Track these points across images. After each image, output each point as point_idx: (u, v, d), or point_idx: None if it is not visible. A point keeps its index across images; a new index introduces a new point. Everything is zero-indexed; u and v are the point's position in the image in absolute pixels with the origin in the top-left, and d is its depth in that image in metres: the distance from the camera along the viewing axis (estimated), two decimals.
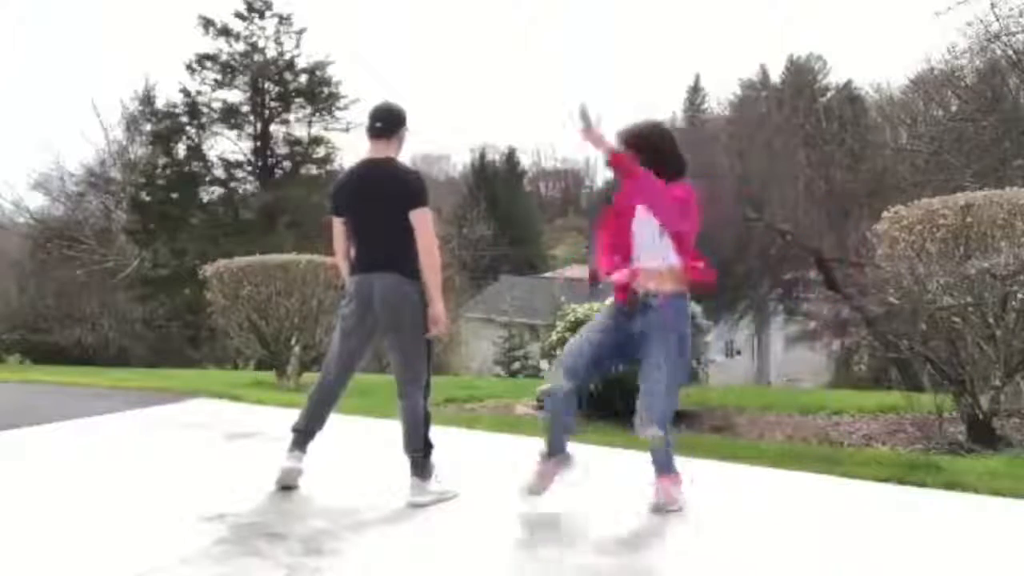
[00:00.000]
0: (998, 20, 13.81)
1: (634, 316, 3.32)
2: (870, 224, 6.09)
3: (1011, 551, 3.00)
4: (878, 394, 8.25)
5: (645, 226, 3.35)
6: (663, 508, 3.38)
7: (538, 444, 3.56)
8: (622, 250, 3.39)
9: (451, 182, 44.88)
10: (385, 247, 3.54)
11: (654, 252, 3.34)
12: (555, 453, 3.41)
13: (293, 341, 8.90)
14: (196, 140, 29.59)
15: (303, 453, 3.69)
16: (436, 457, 3.59)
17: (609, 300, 3.45)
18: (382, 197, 3.56)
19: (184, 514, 3.34)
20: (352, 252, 3.71)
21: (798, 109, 18.39)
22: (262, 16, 29.33)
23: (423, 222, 3.52)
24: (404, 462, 3.59)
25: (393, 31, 79.06)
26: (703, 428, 5.75)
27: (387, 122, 3.68)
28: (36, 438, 5.25)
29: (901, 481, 3.90)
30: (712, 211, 16.99)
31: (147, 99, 30.15)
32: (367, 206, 3.59)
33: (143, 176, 29.11)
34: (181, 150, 29.52)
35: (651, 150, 3.31)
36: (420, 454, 3.55)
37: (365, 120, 3.72)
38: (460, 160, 48.65)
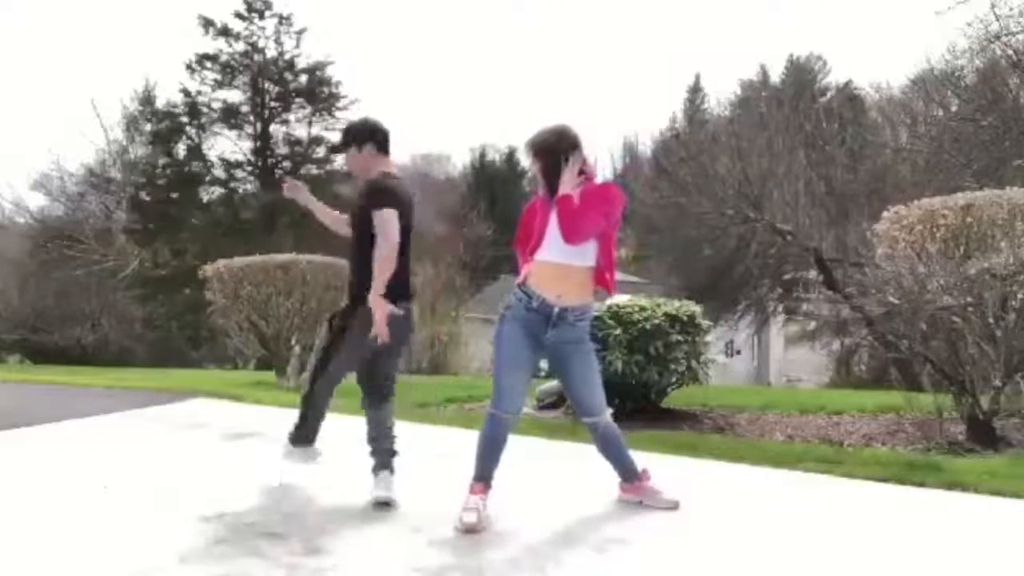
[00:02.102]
0: (998, 20, 13.82)
1: (546, 327, 3.23)
2: (870, 224, 6.09)
3: (1011, 551, 3.00)
4: (878, 394, 8.25)
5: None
6: (660, 506, 3.41)
7: (536, 444, 3.57)
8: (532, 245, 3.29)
9: (451, 182, 44.83)
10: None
11: (577, 252, 3.21)
12: (489, 479, 3.29)
13: (293, 341, 8.90)
14: (196, 140, 29.66)
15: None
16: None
17: (515, 300, 3.26)
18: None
19: (184, 514, 3.34)
20: None
21: (798, 109, 18.34)
22: (262, 16, 29.39)
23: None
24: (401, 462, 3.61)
25: (393, 31, 79.03)
26: (703, 428, 5.75)
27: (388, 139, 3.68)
28: (36, 438, 5.25)
29: (901, 481, 3.90)
30: (713, 211, 17.00)
31: (147, 99, 30.23)
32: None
33: (143, 176, 29.17)
34: (181, 150, 29.61)
35: (556, 155, 3.22)
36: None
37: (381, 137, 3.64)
38: (460, 160, 48.63)
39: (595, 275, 3.29)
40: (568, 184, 3.19)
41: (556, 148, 3.23)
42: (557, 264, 3.21)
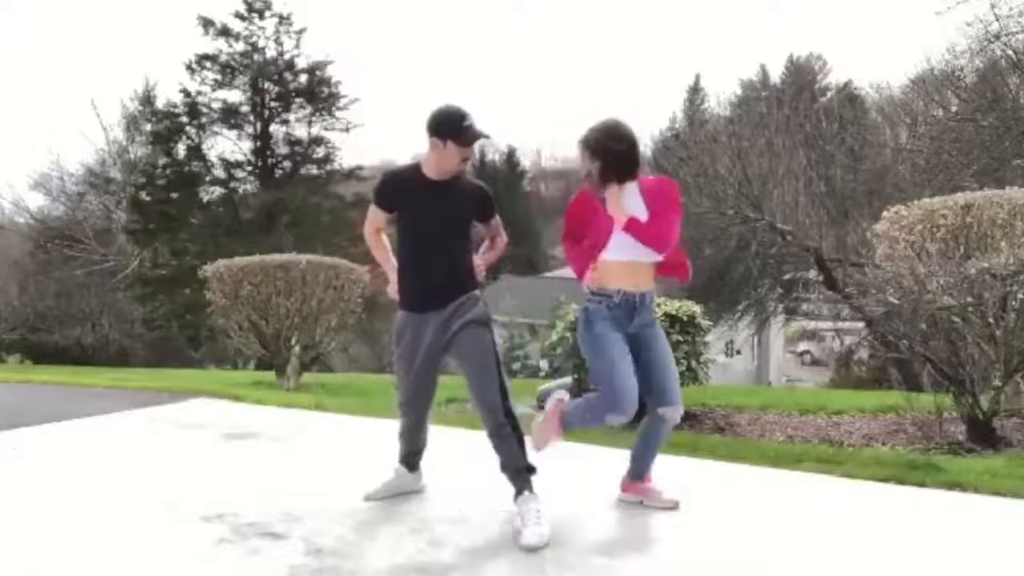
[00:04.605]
0: (998, 20, 13.82)
1: (632, 315, 3.28)
2: (870, 224, 6.09)
3: (1011, 551, 3.00)
4: (878, 394, 8.26)
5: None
6: (661, 506, 3.42)
7: (530, 445, 3.56)
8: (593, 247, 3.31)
9: None
10: None
11: (645, 250, 3.24)
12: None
13: (293, 341, 8.90)
14: (196, 140, 29.62)
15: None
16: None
17: (595, 304, 3.28)
18: None
19: (185, 514, 3.34)
20: None
21: (798, 109, 18.32)
22: (262, 16, 29.37)
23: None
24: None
25: (393, 31, 79.07)
26: (703, 428, 5.75)
27: None
28: (36, 438, 5.25)
29: (901, 481, 3.90)
30: (713, 211, 16.98)
31: (147, 99, 30.23)
32: None
33: (143, 176, 29.15)
34: (181, 150, 29.56)
35: (615, 154, 3.20)
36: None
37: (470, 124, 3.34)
38: None
39: (667, 268, 3.35)
40: (616, 206, 3.19)
41: (611, 148, 3.21)
42: (629, 262, 3.23)
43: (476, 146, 3.51)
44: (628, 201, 3.21)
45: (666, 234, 3.21)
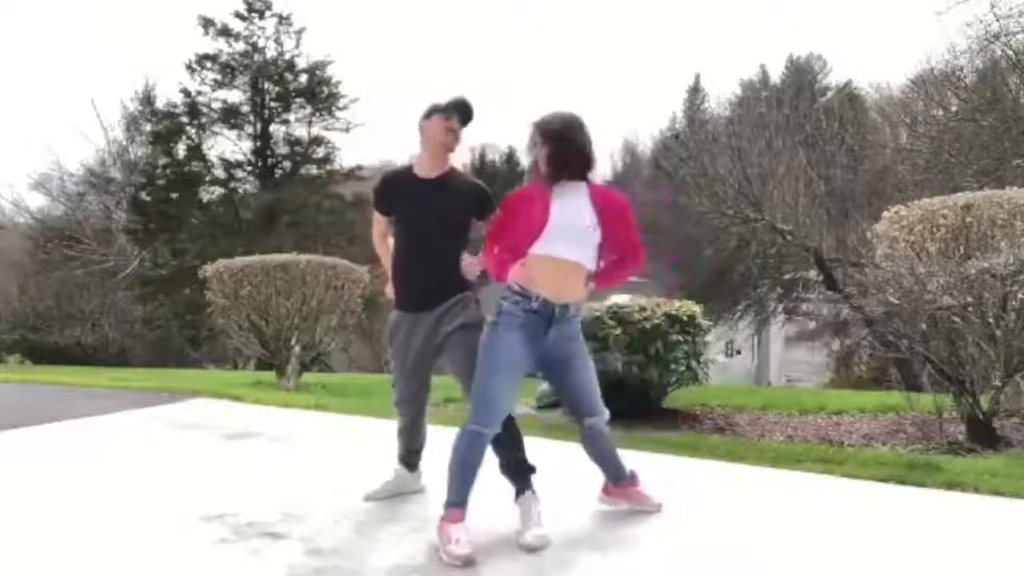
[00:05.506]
0: (998, 20, 13.85)
1: (547, 326, 3.05)
2: (870, 224, 6.10)
3: (1011, 551, 3.00)
4: (878, 394, 8.25)
5: (577, 230, 3.02)
6: (645, 509, 3.38)
7: (536, 444, 3.55)
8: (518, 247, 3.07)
9: None
10: None
11: (581, 252, 3.05)
12: (465, 504, 3.02)
13: (293, 341, 8.90)
14: (196, 140, 29.63)
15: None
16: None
17: (510, 303, 3.04)
18: None
19: (184, 514, 3.34)
20: None
21: (798, 109, 18.32)
22: (262, 16, 29.39)
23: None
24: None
25: (393, 31, 79.05)
26: (703, 428, 5.75)
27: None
28: (36, 438, 5.25)
29: (901, 481, 3.90)
30: (713, 211, 16.99)
31: (147, 99, 30.19)
32: None
33: (143, 176, 29.15)
34: (181, 150, 29.57)
35: (568, 143, 3.02)
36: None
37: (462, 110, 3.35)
38: (460, 160, 48.58)
39: (605, 280, 3.19)
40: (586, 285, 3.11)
41: (568, 136, 3.03)
42: (560, 260, 3.00)
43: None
44: (573, 203, 3.02)
45: (634, 257, 3.20)
